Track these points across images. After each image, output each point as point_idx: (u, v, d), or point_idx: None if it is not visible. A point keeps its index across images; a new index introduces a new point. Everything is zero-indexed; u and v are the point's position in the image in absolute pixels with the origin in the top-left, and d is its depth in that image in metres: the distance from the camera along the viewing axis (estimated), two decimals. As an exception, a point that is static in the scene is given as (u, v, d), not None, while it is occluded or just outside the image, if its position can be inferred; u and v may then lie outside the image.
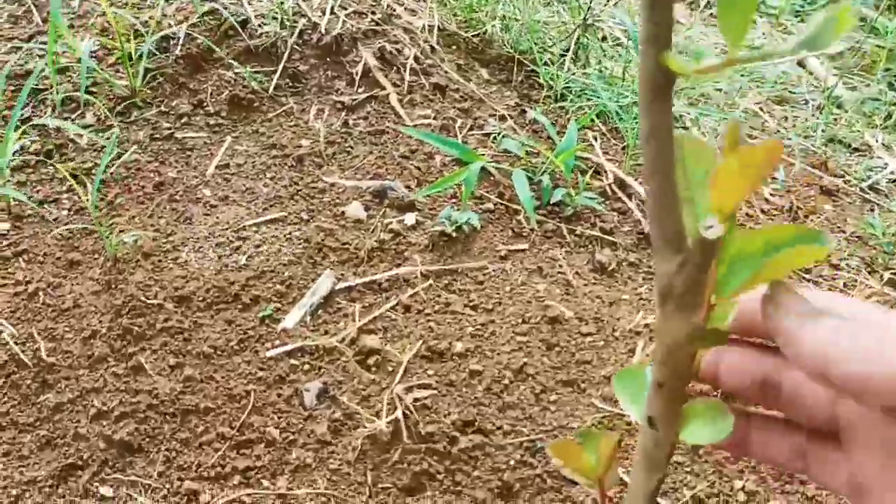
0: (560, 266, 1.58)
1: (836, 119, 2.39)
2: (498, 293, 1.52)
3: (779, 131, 2.27)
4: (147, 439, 1.31)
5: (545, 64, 2.10)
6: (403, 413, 1.31)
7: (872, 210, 2.03)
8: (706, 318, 0.63)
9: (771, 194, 2.04)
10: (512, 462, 1.27)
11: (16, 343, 1.40)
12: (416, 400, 1.32)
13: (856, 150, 2.28)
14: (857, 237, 1.92)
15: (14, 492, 1.26)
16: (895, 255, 1.87)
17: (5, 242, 1.57)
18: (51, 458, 1.29)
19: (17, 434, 1.32)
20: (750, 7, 0.43)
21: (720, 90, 2.32)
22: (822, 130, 2.29)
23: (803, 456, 0.56)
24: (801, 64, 2.70)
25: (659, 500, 1.24)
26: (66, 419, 1.33)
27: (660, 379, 0.59)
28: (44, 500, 1.25)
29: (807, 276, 1.71)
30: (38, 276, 1.50)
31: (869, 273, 1.83)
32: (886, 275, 1.82)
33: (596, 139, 1.92)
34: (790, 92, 2.55)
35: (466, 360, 1.39)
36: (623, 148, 1.94)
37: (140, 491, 1.26)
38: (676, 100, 2.17)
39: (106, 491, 1.27)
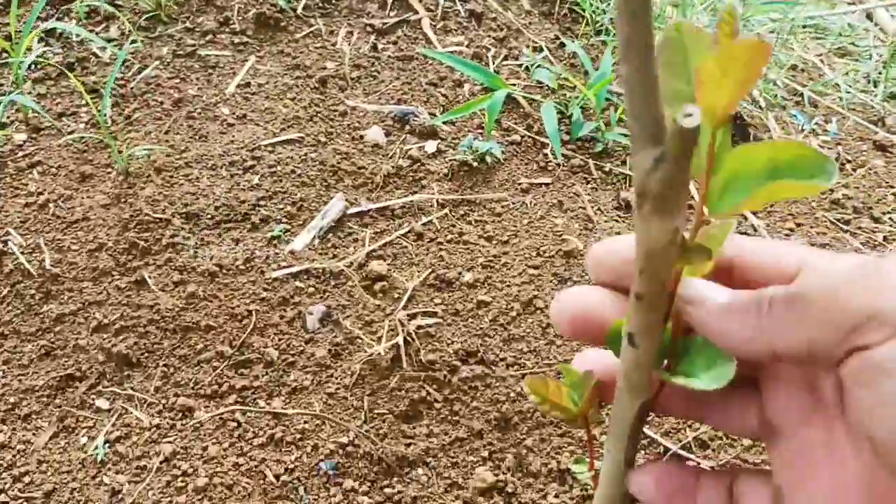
0: (582, 201, 1.52)
1: (900, 74, 2.27)
2: (515, 226, 1.46)
3: (836, 84, 2.17)
4: (146, 354, 1.29)
5: (590, -4, 2.02)
6: (405, 340, 1.27)
7: (926, 167, 1.93)
8: (696, 233, 0.57)
9: (820, 145, 1.96)
10: (512, 394, 1.22)
11: (22, 253, 1.38)
12: (419, 328, 1.28)
13: (918, 107, 2.17)
14: (905, 193, 1.82)
15: (12, 399, 1.25)
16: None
17: (21, 153, 1.55)
18: (50, 367, 1.28)
19: (19, 343, 1.31)
20: None
21: (774, 31, 2.21)
22: (884, 86, 2.18)
23: (701, 405, 0.57)
24: (869, 16, 2.57)
25: (661, 440, 1.19)
26: (68, 330, 1.32)
27: (638, 290, 0.53)
28: (41, 409, 1.24)
29: (845, 228, 1.62)
30: (51, 187, 1.49)
31: (910, 229, 1.75)
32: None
33: (635, 75, 1.84)
34: (854, 45, 2.44)
35: (475, 291, 1.34)
36: (663, 85, 1.85)
37: (136, 405, 1.24)
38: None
39: (102, 403, 1.25)
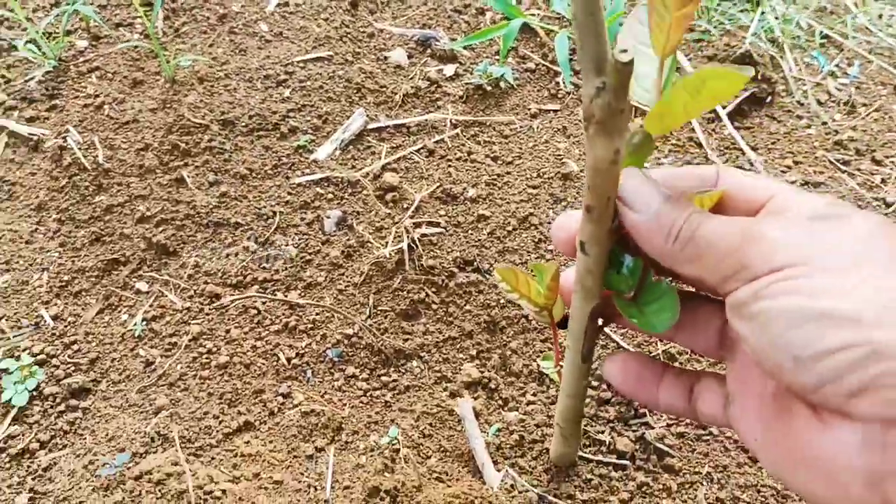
0: (586, 128, 1.63)
1: (932, 18, 2.28)
2: (520, 147, 1.58)
3: (865, 27, 2.19)
4: (181, 245, 1.44)
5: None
6: (409, 246, 1.40)
7: (942, 113, 1.97)
8: (642, 138, 0.68)
9: (837, 88, 1.99)
10: (502, 301, 1.35)
11: (79, 149, 1.54)
12: (423, 236, 1.41)
13: (949, 53, 2.19)
14: (914, 138, 1.87)
15: (66, 277, 1.41)
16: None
17: (82, 59, 1.71)
18: (99, 252, 1.44)
19: (74, 229, 1.47)
20: None
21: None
22: (917, 30, 2.20)
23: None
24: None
25: (628, 348, 1.32)
26: (115, 220, 1.47)
27: (588, 204, 0.65)
28: (90, 287, 1.40)
29: (844, 168, 1.69)
30: (106, 91, 1.64)
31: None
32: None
33: (655, 10, 1.91)
34: (891, -12, 2.44)
35: (477, 205, 1.47)
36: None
37: (171, 289, 1.40)
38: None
39: (142, 286, 1.41)
